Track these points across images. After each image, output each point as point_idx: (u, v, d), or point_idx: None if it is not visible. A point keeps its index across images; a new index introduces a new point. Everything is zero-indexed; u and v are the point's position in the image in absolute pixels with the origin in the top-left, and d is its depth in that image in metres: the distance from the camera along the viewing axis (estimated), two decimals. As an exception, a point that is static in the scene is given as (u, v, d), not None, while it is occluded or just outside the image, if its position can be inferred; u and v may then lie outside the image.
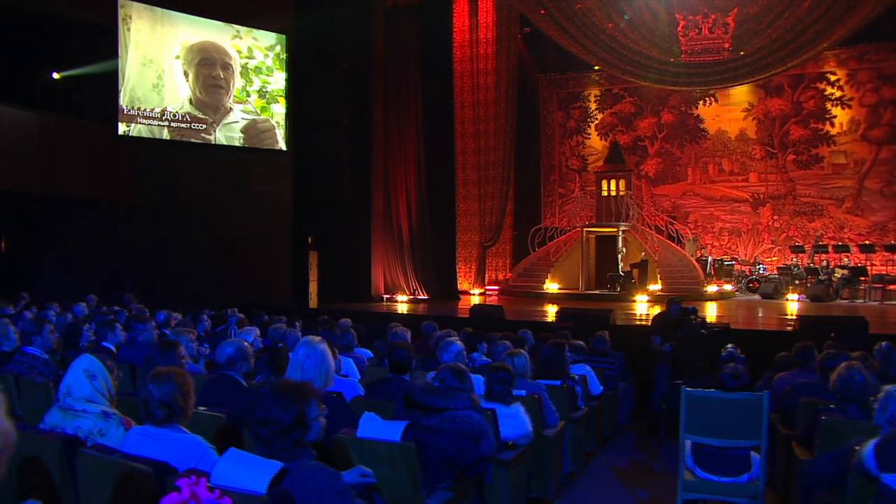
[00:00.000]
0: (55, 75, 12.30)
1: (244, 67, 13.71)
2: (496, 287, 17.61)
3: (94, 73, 12.06)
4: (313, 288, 13.43)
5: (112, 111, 12.26)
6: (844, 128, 17.99)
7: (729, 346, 5.55)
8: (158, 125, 12.72)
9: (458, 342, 4.88)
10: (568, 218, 18.41)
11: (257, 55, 13.85)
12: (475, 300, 16.33)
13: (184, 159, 13.28)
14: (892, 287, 13.89)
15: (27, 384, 4.60)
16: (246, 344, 3.72)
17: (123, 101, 12.38)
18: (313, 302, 13.41)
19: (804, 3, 12.56)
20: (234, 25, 13.57)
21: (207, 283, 13.31)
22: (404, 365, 4.10)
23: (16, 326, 7.02)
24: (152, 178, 12.84)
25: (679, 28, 13.76)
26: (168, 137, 12.82)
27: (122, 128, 12.37)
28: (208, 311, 7.96)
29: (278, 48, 14.10)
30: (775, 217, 18.75)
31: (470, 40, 16.65)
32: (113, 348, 6.16)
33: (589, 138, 20.65)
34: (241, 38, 13.66)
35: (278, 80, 14.11)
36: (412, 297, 15.06)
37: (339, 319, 8.82)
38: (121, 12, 12.27)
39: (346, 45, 14.36)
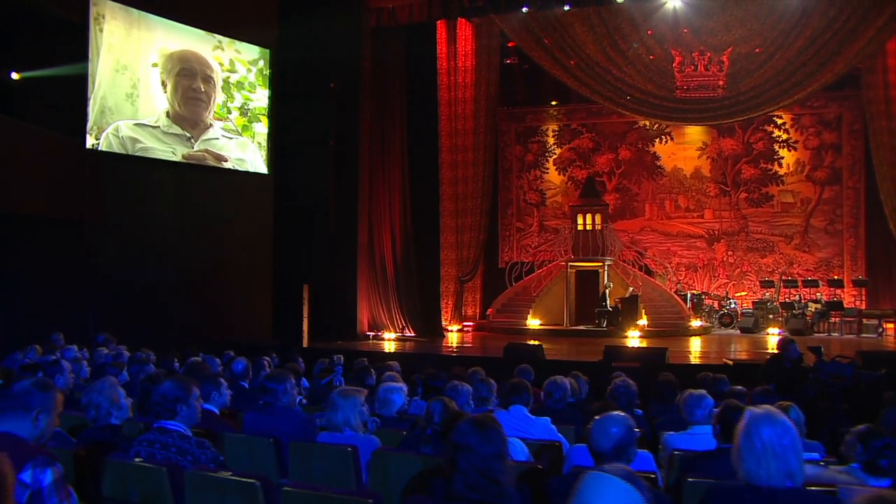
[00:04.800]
0: (14, 75, 10.49)
1: (226, 82, 12.40)
2: (471, 323, 16.88)
3: (60, 75, 10.37)
4: (305, 325, 12.11)
5: (79, 121, 10.58)
6: (791, 168, 18.93)
7: None
8: (131, 139, 11.15)
9: (708, 396, 4.14)
10: (542, 253, 18.09)
11: (240, 69, 12.58)
12: (454, 337, 15.53)
13: (157, 178, 11.71)
14: (866, 321, 14.46)
15: (206, 482, 3.02)
16: (631, 420, 2.71)
17: (93, 110, 10.74)
18: (305, 340, 12.09)
19: (794, 45, 13.05)
20: (215, 35, 12.27)
21: (178, 317, 11.74)
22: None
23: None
24: (121, 198, 11.17)
25: (675, 64, 13.92)
26: (140, 154, 11.27)
27: (90, 140, 10.71)
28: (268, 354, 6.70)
29: (261, 63, 12.90)
30: (729, 252, 19.32)
31: (448, 68, 16.12)
32: (217, 411, 4.70)
33: (547, 173, 20.56)
34: (223, 49, 12.36)
35: (261, 98, 12.89)
36: (400, 334, 14.02)
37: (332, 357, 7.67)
38: (93, 10, 10.71)
39: (331, 64, 13.40)
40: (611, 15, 13.88)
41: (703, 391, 4.17)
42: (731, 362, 9.17)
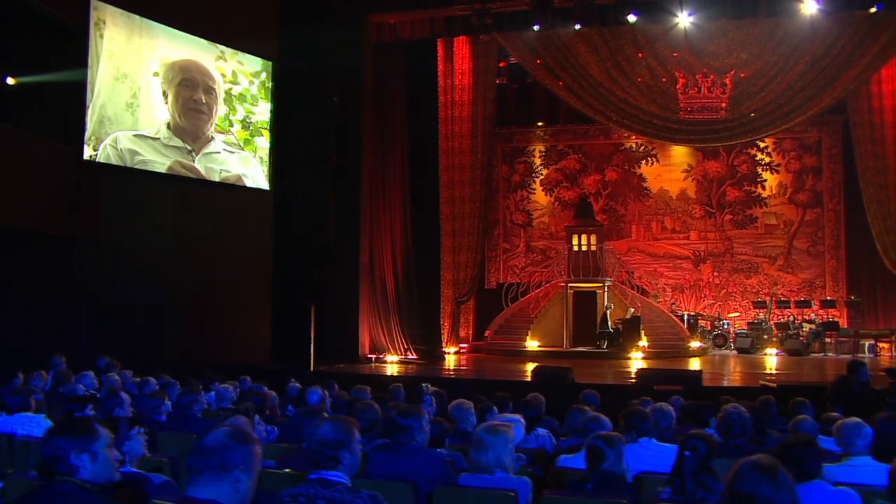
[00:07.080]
0: (9, 80, 9.77)
1: (227, 94, 11.88)
2: (465, 345, 16.49)
3: (58, 82, 9.69)
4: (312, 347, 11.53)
5: (77, 130, 9.90)
6: (774, 191, 19.25)
7: None
8: (130, 151, 10.50)
9: (865, 423, 3.87)
10: (536, 274, 17.91)
11: (242, 81, 12.08)
12: (451, 359, 15.12)
13: (156, 192, 11.08)
14: (863, 341, 14.65)
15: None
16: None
17: (91, 119, 10.08)
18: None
19: (794, 70, 13.28)
20: (218, 46, 11.76)
21: (173, 337, 11.08)
22: None
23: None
24: (117, 212, 10.48)
25: (678, 86, 14.00)
26: (139, 167, 10.64)
27: (87, 151, 10.03)
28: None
29: (264, 75, 12.43)
30: (715, 273, 19.48)
31: (444, 86, 15.88)
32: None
33: (534, 193, 20.45)
34: (225, 60, 11.85)
35: (263, 111, 12.39)
36: (403, 356, 13.54)
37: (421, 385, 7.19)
38: (93, 15, 10.10)
39: (333, 78, 13.00)
40: (614, 37, 13.90)
41: (858, 419, 3.90)
42: (773, 384, 9.04)
